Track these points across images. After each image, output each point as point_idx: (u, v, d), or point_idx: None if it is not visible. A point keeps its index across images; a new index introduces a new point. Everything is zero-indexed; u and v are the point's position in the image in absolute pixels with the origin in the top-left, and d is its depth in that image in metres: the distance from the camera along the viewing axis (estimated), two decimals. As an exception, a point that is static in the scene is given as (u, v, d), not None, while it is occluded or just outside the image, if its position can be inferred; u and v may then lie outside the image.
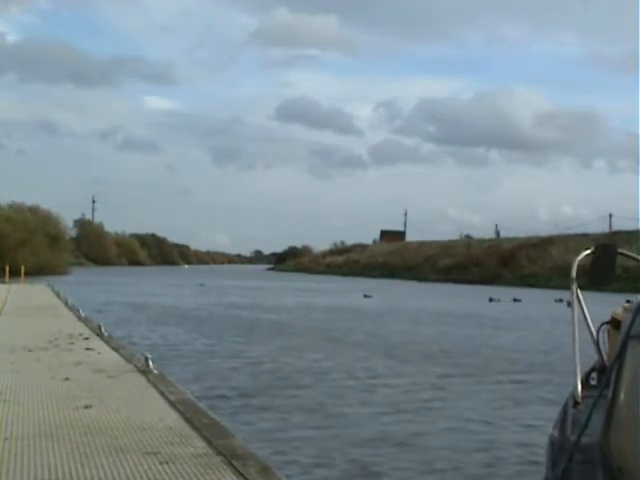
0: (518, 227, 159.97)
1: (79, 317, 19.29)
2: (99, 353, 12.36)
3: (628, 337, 3.28)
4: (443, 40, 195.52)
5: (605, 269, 4.11)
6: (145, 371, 10.33)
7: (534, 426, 10.71)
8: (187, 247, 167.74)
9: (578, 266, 3.98)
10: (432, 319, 30.19)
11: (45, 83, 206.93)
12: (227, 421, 8.45)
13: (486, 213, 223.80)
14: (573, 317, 3.87)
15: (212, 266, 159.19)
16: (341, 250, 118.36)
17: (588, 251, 4.11)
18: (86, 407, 7.83)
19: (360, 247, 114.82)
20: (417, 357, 18.55)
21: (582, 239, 65.29)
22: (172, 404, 8.15)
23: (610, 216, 76.75)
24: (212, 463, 5.86)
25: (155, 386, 9.26)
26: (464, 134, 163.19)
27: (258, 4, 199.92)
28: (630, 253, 4.28)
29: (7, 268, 40.65)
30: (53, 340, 13.96)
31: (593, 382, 3.73)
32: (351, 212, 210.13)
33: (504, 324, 28.84)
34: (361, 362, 17.27)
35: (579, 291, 3.93)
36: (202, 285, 56.79)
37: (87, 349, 12.78)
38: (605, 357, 3.76)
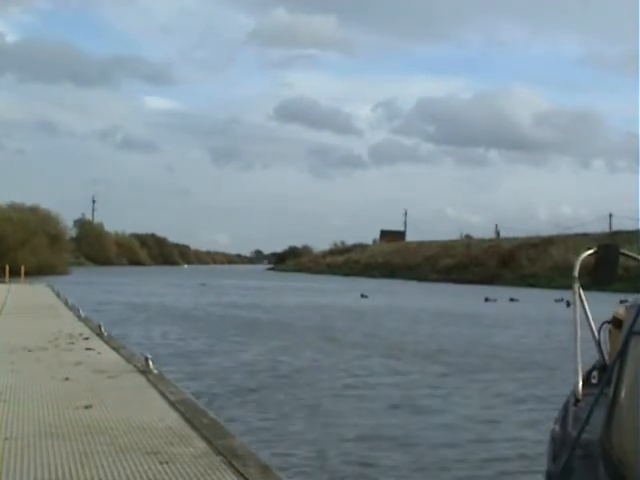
0: (518, 227, 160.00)
1: (79, 317, 19.30)
2: (99, 353, 12.36)
3: (630, 333, 3.28)
4: (443, 40, 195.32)
5: (607, 269, 4.10)
6: (145, 371, 10.33)
7: (531, 423, 10.75)
8: (187, 247, 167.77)
9: (579, 266, 3.96)
10: (430, 319, 30.19)
11: (44, 83, 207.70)
12: (225, 419, 8.45)
13: (486, 213, 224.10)
14: (575, 316, 3.85)
15: (212, 266, 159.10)
16: (341, 250, 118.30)
17: (590, 251, 4.10)
18: (86, 407, 7.82)
19: (360, 247, 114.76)
20: (415, 356, 18.56)
21: (582, 239, 65.32)
22: (172, 404, 8.15)
23: (610, 216, 76.91)
24: (212, 463, 5.86)
25: (155, 386, 9.26)
26: (463, 134, 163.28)
27: (257, 4, 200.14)
28: (632, 253, 4.27)
29: (7, 268, 40.63)
30: (53, 340, 13.96)
31: (594, 381, 3.72)
32: (351, 212, 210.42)
33: (500, 323, 28.85)
34: (359, 361, 17.31)
35: (581, 290, 3.92)
36: (203, 285, 56.74)
37: (87, 349, 12.78)
38: (606, 356, 3.76)
